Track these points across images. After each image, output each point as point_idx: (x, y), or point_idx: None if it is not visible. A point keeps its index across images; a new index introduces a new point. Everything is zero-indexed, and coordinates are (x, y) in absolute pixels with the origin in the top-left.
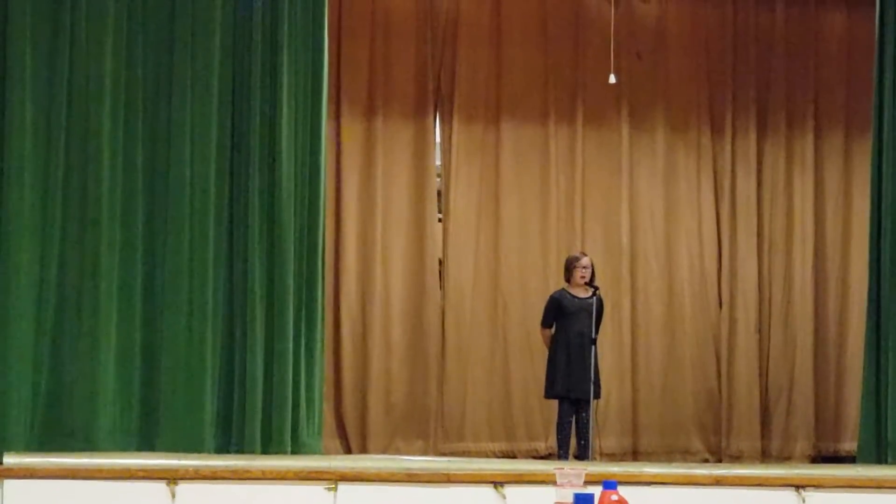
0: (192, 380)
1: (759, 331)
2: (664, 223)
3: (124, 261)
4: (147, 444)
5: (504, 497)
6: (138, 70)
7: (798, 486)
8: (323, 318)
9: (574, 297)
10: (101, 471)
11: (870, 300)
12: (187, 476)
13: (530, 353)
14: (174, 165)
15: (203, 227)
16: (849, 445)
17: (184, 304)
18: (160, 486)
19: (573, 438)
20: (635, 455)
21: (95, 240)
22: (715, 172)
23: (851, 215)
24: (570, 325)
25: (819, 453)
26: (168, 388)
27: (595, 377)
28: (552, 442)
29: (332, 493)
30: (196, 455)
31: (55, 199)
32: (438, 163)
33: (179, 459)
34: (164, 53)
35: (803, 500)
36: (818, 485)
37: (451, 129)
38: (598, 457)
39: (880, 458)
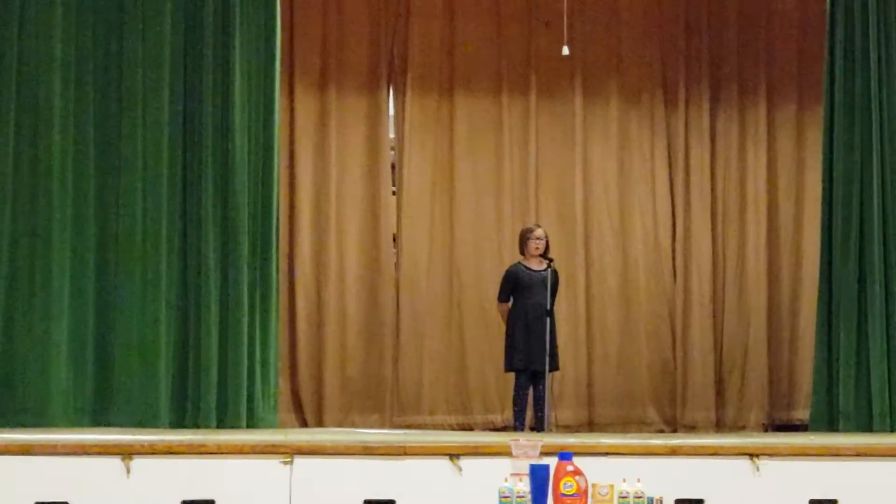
0: (146, 355)
1: (714, 302)
2: (618, 195)
3: (76, 237)
4: (102, 419)
5: (460, 469)
6: (89, 44)
7: (752, 455)
8: (277, 294)
9: (529, 269)
10: (55, 447)
11: (822, 270)
12: (142, 451)
13: (485, 325)
14: (126, 141)
15: (156, 202)
16: (802, 414)
17: (137, 280)
18: (115, 462)
19: (530, 410)
20: (591, 426)
21: (47, 216)
22: (668, 144)
23: (804, 185)
24: (526, 298)
25: (773, 422)
26: (122, 363)
27: (552, 349)
28: (508, 414)
29: (287, 466)
30: (151, 430)
31: (5, 175)
32: (392, 136)
33: (134, 435)
34: (115, 27)
35: (757, 469)
36: (772, 453)
37: (404, 102)
38: (554, 428)
39: (832, 427)
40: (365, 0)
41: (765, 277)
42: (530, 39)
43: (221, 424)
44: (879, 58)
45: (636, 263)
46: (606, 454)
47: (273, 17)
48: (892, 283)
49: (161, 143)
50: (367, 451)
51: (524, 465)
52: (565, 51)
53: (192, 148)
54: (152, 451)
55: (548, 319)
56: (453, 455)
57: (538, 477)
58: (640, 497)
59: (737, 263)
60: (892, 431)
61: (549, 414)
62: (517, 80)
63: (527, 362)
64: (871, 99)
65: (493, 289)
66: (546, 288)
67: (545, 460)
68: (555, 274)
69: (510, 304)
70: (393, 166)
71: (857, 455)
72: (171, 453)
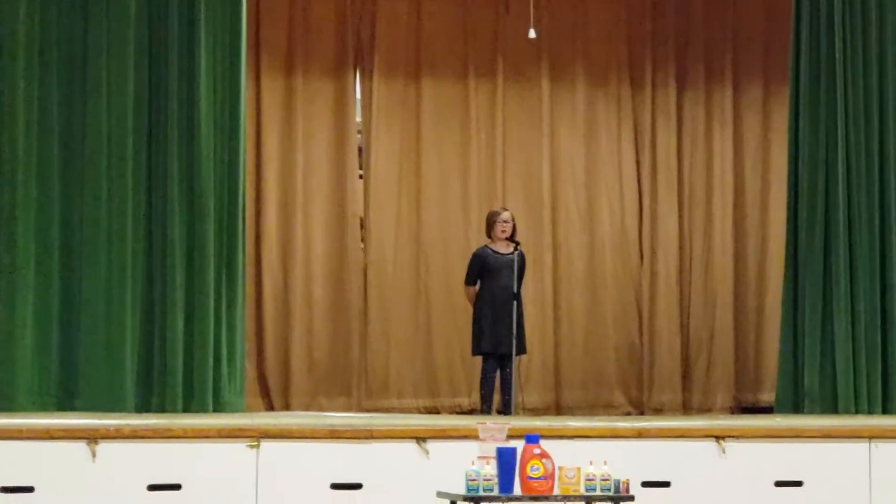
0: (111, 339)
1: (680, 284)
2: (585, 178)
3: (41, 220)
4: (67, 404)
5: (427, 452)
6: (53, 29)
7: (718, 437)
8: (244, 277)
9: (496, 252)
10: (20, 431)
11: (787, 252)
12: (108, 435)
13: (452, 308)
14: (91, 124)
15: (121, 185)
16: (768, 396)
17: (102, 263)
18: (80, 446)
19: (497, 394)
20: (558, 409)
21: (11, 200)
22: (635, 127)
23: (770, 168)
24: (494, 281)
25: (739, 405)
26: (88, 347)
27: (519, 333)
28: (476, 397)
29: (254, 450)
30: (117, 414)
31: None
32: (359, 120)
33: (100, 419)
34: (79, 12)
35: (723, 451)
36: (738, 435)
37: (371, 85)
38: (521, 412)
39: (798, 409)
40: None
41: (731, 260)
42: (497, 23)
43: (188, 408)
44: (845, 40)
45: (603, 246)
46: (573, 437)
47: (239, 1)
48: (856, 265)
49: (126, 127)
50: (334, 434)
51: (491, 449)
52: (532, 34)
53: (157, 133)
54: (118, 435)
55: (515, 303)
56: (420, 438)
57: (505, 460)
58: (607, 479)
59: (703, 246)
60: (856, 413)
61: (516, 397)
62: (484, 63)
63: (494, 346)
64: (836, 81)
65: (461, 272)
66: (513, 271)
67: (512, 443)
68: (522, 257)
69: (477, 287)
70: (360, 150)
71: (822, 436)
72: (137, 437)
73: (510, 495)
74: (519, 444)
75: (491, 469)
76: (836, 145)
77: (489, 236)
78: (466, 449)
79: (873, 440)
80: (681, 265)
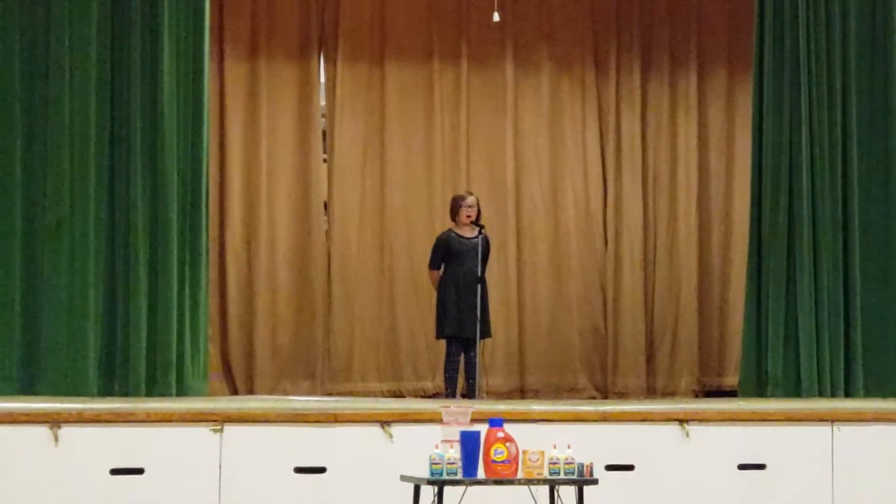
0: (74, 322)
1: (644, 268)
2: (549, 162)
3: (2, 204)
4: (29, 387)
5: (391, 436)
6: (14, 8)
7: (682, 421)
8: (207, 261)
9: (461, 237)
10: None
11: (751, 237)
12: (70, 419)
13: (416, 292)
14: (53, 108)
15: (84, 169)
16: (731, 380)
17: (65, 247)
18: (43, 430)
19: (461, 378)
20: (522, 393)
21: None
22: (600, 111)
23: (734, 152)
24: (458, 265)
25: (703, 388)
26: (50, 330)
27: (483, 316)
28: (440, 381)
29: (218, 434)
30: (79, 398)
31: None
32: (323, 104)
33: (62, 403)
34: None
35: (687, 434)
36: (701, 419)
37: (335, 69)
38: (485, 395)
39: (761, 392)
40: None
41: (695, 244)
42: (461, 7)
43: (150, 392)
44: (809, 25)
45: (567, 230)
46: (537, 421)
47: None
48: (819, 250)
49: (88, 111)
50: (298, 418)
51: (455, 432)
52: (496, 17)
53: (119, 117)
54: (80, 419)
55: (479, 287)
56: (384, 422)
57: (469, 444)
58: (571, 463)
59: (667, 230)
60: (819, 396)
61: (480, 381)
62: (448, 47)
63: (458, 329)
64: (800, 67)
65: (425, 256)
66: (477, 255)
67: (476, 427)
68: (486, 241)
69: (441, 271)
70: (324, 134)
71: (785, 420)
72: (100, 421)
73: (474, 479)
74: (483, 428)
75: (455, 453)
76: (800, 131)
77: (454, 220)
78: (430, 433)
79: (836, 423)
80: (645, 250)
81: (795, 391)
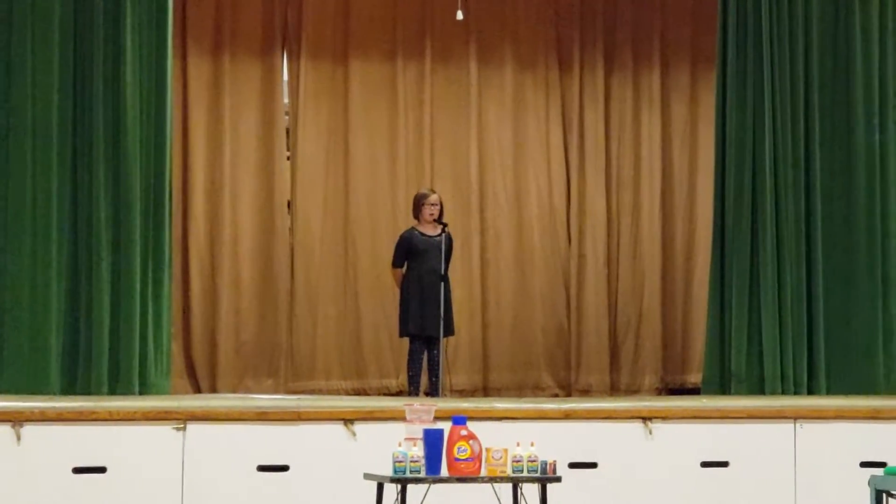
0: (36, 320)
1: (608, 266)
2: (513, 159)
3: None
4: None
5: (354, 434)
6: None
7: (645, 418)
8: (170, 258)
9: (424, 234)
10: None
11: (714, 234)
12: (32, 418)
13: (380, 291)
14: (15, 104)
15: (46, 167)
16: (695, 378)
17: (27, 245)
18: (5, 429)
19: (424, 375)
20: (486, 391)
21: None
22: (563, 108)
23: (697, 149)
24: (421, 263)
25: (666, 386)
26: (11, 328)
27: (447, 314)
28: (403, 379)
29: (180, 432)
30: (41, 396)
31: None
32: (286, 101)
33: (24, 401)
34: None
35: (650, 432)
36: (664, 416)
37: (298, 67)
38: (448, 393)
39: (724, 390)
40: None
41: (659, 241)
42: (424, 4)
43: (113, 391)
44: (772, 21)
45: (531, 227)
46: (500, 419)
47: None
48: (782, 246)
49: (51, 108)
50: (261, 416)
51: (418, 430)
52: (459, 15)
53: (82, 114)
54: (42, 417)
55: (442, 284)
56: (347, 420)
57: (432, 441)
58: (534, 461)
59: (631, 227)
60: (782, 394)
61: (444, 379)
62: (412, 44)
63: (421, 327)
64: (763, 63)
65: (388, 254)
66: (441, 253)
67: (439, 425)
68: (449, 239)
69: (404, 269)
70: (287, 131)
71: (748, 417)
72: (62, 420)
73: (437, 477)
74: (446, 426)
75: (418, 451)
76: (762, 127)
77: (417, 218)
78: (394, 430)
79: (798, 420)
80: (609, 247)
81: (758, 388)
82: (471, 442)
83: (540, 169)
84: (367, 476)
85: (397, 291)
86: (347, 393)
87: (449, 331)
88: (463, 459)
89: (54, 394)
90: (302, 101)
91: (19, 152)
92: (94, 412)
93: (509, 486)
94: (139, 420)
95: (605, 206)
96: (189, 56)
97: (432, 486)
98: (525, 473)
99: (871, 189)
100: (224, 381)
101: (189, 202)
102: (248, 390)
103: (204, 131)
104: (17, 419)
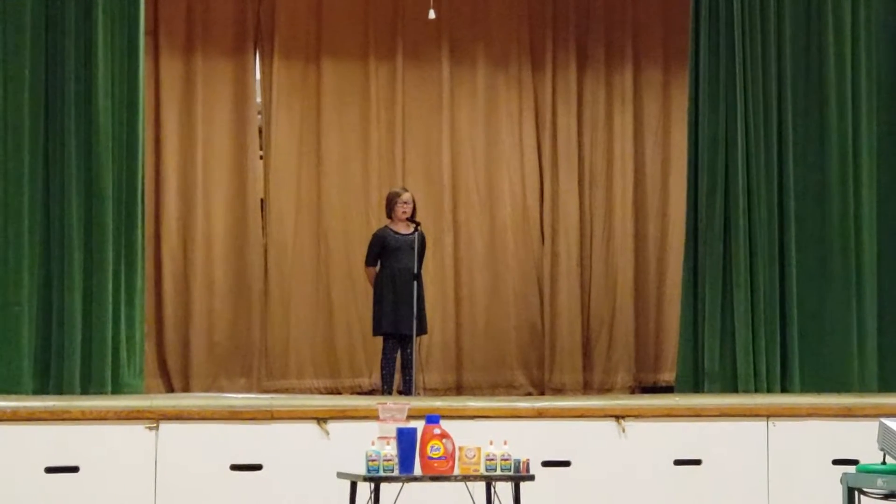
0: (7, 320)
1: (581, 265)
2: (486, 158)
3: None
4: None
5: (327, 433)
6: None
7: (618, 417)
8: (143, 258)
9: (397, 233)
10: None
11: (687, 233)
12: (4, 417)
13: (353, 289)
14: None
15: (17, 166)
16: (668, 376)
17: None
18: None
19: (397, 374)
20: (459, 390)
21: None
22: (536, 108)
23: (670, 149)
24: (394, 262)
25: (639, 384)
26: None
27: (420, 313)
28: (376, 378)
29: (153, 431)
30: (14, 396)
31: None
32: (259, 100)
33: None
34: None
35: (623, 430)
36: (637, 415)
37: (271, 66)
38: (421, 392)
39: (697, 388)
40: None
41: (632, 240)
42: (397, 3)
43: (85, 390)
44: (744, 20)
45: (504, 226)
46: (473, 417)
47: None
48: (755, 245)
49: (22, 106)
50: (234, 415)
51: (391, 429)
52: (431, 14)
53: (54, 112)
54: (14, 417)
55: (415, 283)
56: (321, 419)
57: (405, 440)
58: (507, 459)
59: (604, 226)
60: (755, 392)
61: (417, 377)
62: (384, 43)
63: (394, 326)
64: (735, 62)
65: (361, 253)
66: (413, 252)
67: (412, 423)
68: (422, 237)
69: (377, 268)
70: (260, 130)
71: (721, 415)
72: (34, 420)
73: (410, 475)
74: (419, 425)
75: (391, 449)
76: (735, 126)
77: (389, 217)
78: (367, 429)
79: (771, 419)
80: (581, 246)
81: (731, 387)
82: (444, 441)
83: (513, 168)
84: (341, 475)
85: (370, 290)
86: (321, 392)
87: (422, 329)
88: (436, 458)
89: (27, 393)
90: (275, 99)
91: None
92: (66, 412)
93: (483, 484)
94: (112, 419)
95: (578, 205)
96: (161, 55)
97: (406, 484)
98: (498, 472)
99: (844, 188)
100: (197, 380)
101: (161, 201)
102: (222, 389)
103: (176, 130)
104: None
